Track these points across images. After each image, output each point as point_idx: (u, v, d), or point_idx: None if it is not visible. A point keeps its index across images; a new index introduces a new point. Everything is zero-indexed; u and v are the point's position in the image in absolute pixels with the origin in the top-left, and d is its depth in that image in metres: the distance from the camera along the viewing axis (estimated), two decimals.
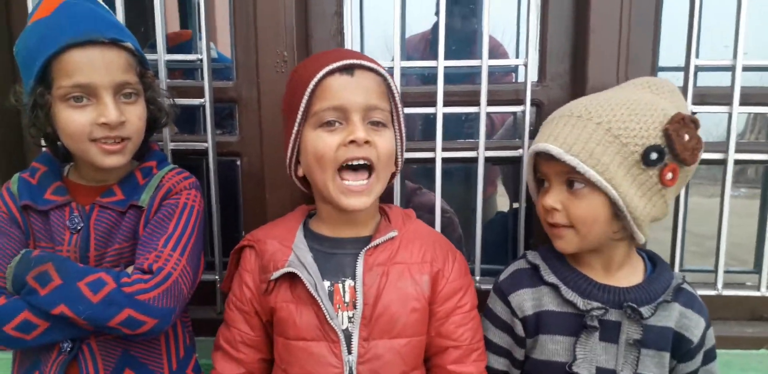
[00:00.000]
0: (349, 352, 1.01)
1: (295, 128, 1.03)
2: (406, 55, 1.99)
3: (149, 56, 1.36)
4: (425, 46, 1.99)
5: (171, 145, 1.40)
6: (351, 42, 1.39)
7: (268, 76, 1.36)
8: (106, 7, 1.09)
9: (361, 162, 1.00)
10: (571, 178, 1.02)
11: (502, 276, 1.17)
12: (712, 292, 1.38)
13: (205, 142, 1.38)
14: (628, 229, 1.03)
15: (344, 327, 1.02)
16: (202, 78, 1.37)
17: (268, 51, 1.35)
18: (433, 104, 1.37)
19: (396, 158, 1.10)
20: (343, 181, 1.01)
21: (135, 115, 1.05)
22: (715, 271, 1.38)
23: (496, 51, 1.97)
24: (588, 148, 0.98)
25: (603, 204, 1.01)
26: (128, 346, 1.08)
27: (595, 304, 1.05)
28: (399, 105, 1.06)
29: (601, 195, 1.00)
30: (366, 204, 1.02)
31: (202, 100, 1.37)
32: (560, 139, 1.01)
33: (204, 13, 1.33)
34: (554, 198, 1.05)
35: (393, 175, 1.13)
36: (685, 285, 1.09)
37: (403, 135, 1.09)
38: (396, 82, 1.18)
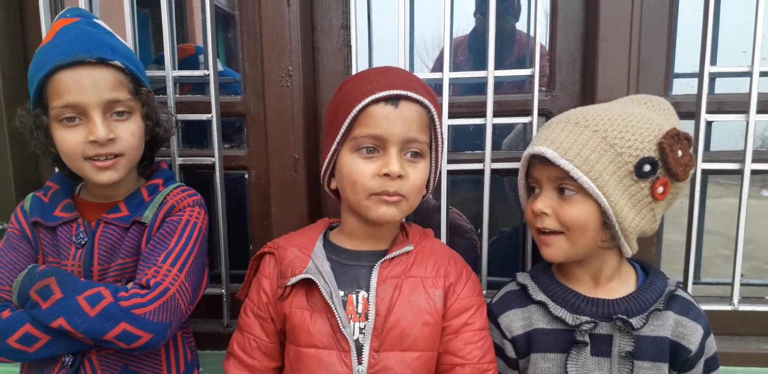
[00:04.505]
0: (359, 362, 1.01)
1: (333, 146, 1.04)
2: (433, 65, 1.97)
3: (158, 72, 1.38)
4: (462, 53, 1.97)
5: (179, 160, 1.41)
6: (357, 55, 1.39)
7: (273, 91, 1.37)
8: (107, 28, 1.11)
9: (393, 198, 1.01)
10: (563, 184, 1.02)
11: (494, 300, 1.17)
12: (728, 307, 1.34)
13: (213, 156, 1.39)
14: (615, 240, 1.03)
15: (355, 337, 1.02)
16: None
17: (273, 65, 1.36)
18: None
19: (428, 183, 1.11)
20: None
21: (127, 131, 1.06)
22: (732, 285, 1.34)
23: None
24: (583, 154, 0.98)
25: (593, 212, 1.00)
26: (128, 361, 1.09)
27: (584, 319, 1.03)
28: (440, 135, 1.06)
29: (591, 203, 0.99)
30: (395, 216, 1.03)
31: (210, 115, 1.38)
32: (556, 143, 1.00)
33: (211, 29, 1.34)
34: (545, 203, 1.04)
35: (422, 197, 1.13)
36: (679, 292, 1.07)
37: (440, 163, 1.10)
38: None
